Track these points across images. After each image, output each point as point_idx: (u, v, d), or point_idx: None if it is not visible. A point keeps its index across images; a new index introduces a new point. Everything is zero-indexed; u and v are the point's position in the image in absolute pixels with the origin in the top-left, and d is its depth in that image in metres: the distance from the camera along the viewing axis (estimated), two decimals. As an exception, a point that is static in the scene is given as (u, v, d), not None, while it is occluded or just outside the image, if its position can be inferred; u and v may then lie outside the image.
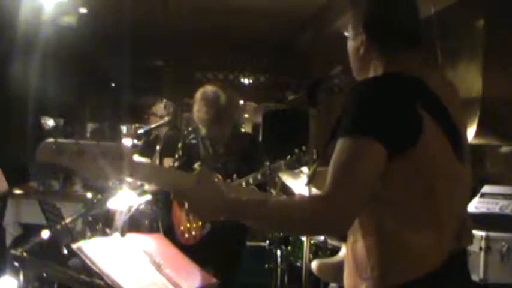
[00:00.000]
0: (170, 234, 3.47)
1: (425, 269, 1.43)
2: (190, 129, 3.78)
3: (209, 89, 3.44)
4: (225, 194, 1.52)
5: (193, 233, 3.42)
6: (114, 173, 1.43)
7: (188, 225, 3.45)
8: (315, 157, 1.79)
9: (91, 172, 1.43)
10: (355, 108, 1.45)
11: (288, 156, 3.07)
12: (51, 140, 1.44)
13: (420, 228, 1.44)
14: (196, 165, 3.49)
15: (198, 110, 3.43)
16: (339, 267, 1.67)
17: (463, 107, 1.64)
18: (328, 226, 1.43)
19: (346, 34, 1.70)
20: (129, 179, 1.46)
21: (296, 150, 2.99)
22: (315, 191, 1.78)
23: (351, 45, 1.69)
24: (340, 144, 1.43)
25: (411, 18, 1.62)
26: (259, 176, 3.07)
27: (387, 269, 1.45)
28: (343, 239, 1.66)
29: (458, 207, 1.54)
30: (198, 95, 3.44)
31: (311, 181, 1.82)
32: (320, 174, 1.68)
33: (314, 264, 3.44)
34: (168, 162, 4.65)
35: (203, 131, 3.53)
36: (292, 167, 3.06)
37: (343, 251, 1.77)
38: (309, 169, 1.84)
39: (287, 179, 3.13)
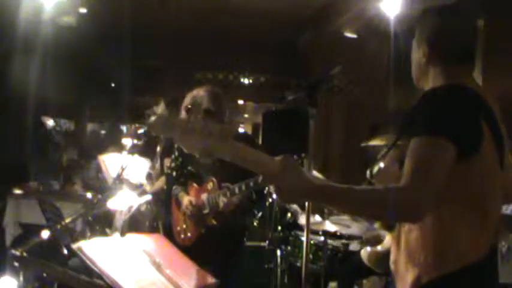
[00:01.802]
0: (170, 234, 3.47)
1: (471, 260, 1.63)
2: None
3: (196, 93, 3.36)
4: (311, 178, 1.62)
5: (189, 234, 3.41)
6: (217, 152, 1.54)
7: (184, 226, 3.44)
8: (382, 154, 1.89)
9: (196, 149, 1.53)
10: (431, 110, 1.62)
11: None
12: (163, 114, 1.51)
13: (471, 225, 1.63)
14: (190, 167, 3.47)
15: (194, 114, 3.37)
16: (387, 254, 1.83)
17: (499, 113, 1.79)
18: (407, 215, 1.56)
19: (413, 45, 1.86)
20: (228, 159, 1.58)
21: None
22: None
23: (414, 55, 1.86)
24: (416, 142, 1.58)
25: (470, 37, 1.82)
26: (259, 180, 3.01)
27: (439, 257, 1.63)
28: (389, 228, 1.84)
29: (498, 208, 1.75)
30: (187, 99, 3.38)
31: (375, 177, 1.94)
32: (384, 170, 1.87)
33: (363, 252, 3.46)
34: (168, 162, 4.66)
35: None
36: None
37: (387, 239, 1.88)
38: (373, 166, 1.98)
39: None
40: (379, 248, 3.19)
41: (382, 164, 1.90)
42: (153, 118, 1.53)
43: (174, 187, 3.53)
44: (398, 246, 1.75)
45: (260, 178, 2.88)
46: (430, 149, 1.56)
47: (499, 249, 3.46)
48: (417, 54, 1.84)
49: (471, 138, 1.61)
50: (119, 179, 3.75)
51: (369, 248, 3.27)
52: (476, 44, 1.83)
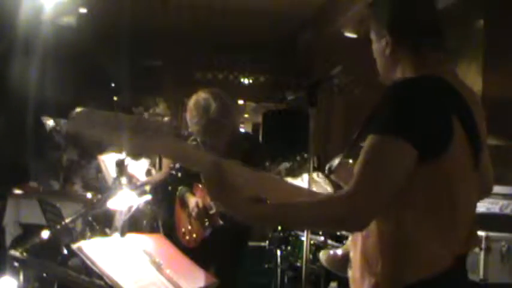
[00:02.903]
0: (172, 235, 3.46)
1: (434, 270, 1.46)
2: (190, 130, 3.72)
3: (201, 96, 3.31)
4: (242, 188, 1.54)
5: (194, 235, 3.40)
6: (148, 148, 1.46)
7: (189, 227, 3.43)
8: (346, 151, 1.81)
9: (125, 145, 1.47)
10: (389, 107, 1.45)
11: (287, 163, 3.03)
12: (83, 109, 1.43)
13: (435, 232, 1.47)
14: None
15: (190, 119, 3.34)
16: (346, 258, 1.70)
17: (481, 110, 1.65)
18: (347, 225, 1.48)
19: (372, 38, 1.69)
20: (161, 154, 1.51)
21: (298, 158, 2.95)
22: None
23: (375, 48, 1.68)
24: (370, 141, 1.43)
25: (431, 13, 1.63)
26: None
27: (397, 267, 1.48)
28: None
29: (471, 213, 1.58)
30: (190, 102, 3.35)
31: (333, 172, 1.85)
32: (344, 165, 1.74)
33: (322, 255, 3.46)
34: (167, 162, 4.65)
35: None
36: (293, 174, 3.03)
37: (348, 243, 1.79)
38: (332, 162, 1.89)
39: (286, 178, 3.12)
40: (338, 251, 3.16)
41: (339, 159, 1.80)
42: (74, 112, 1.39)
43: (179, 188, 3.52)
44: (355, 251, 1.60)
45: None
46: (383, 150, 1.41)
47: (499, 251, 3.46)
48: (379, 45, 1.65)
49: (434, 137, 1.43)
50: (124, 170, 3.74)
51: (330, 252, 3.25)
52: (443, 25, 1.63)
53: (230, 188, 1.52)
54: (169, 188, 3.90)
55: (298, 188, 1.87)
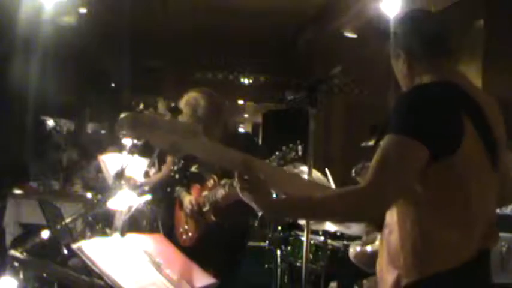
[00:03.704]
0: (172, 235, 3.46)
1: (452, 264, 1.58)
2: None
3: (191, 96, 3.33)
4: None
5: (190, 233, 3.41)
6: (184, 148, 1.59)
7: (186, 226, 3.44)
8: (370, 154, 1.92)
9: (165, 145, 1.58)
10: (403, 110, 1.59)
11: (274, 154, 3.03)
12: (128, 113, 1.54)
13: (452, 228, 1.59)
14: (194, 168, 3.48)
15: (180, 118, 3.36)
16: (374, 255, 1.84)
17: (499, 113, 1.75)
18: (358, 215, 1.64)
19: (391, 55, 1.82)
20: (195, 154, 1.64)
21: (284, 148, 2.95)
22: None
23: (395, 67, 1.84)
24: (386, 140, 1.57)
25: (440, 29, 1.77)
26: None
27: (418, 260, 1.60)
28: (379, 229, 1.82)
29: (487, 211, 1.68)
30: (182, 102, 3.36)
31: (358, 174, 1.97)
32: (368, 168, 1.84)
33: (351, 251, 3.48)
34: (168, 163, 4.66)
35: None
36: (279, 165, 3.02)
37: (378, 241, 1.94)
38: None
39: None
40: (368, 247, 3.18)
41: (366, 163, 1.91)
42: (122, 116, 1.53)
43: (177, 188, 3.54)
44: (382, 248, 1.75)
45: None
46: (397, 148, 1.54)
47: (498, 251, 3.46)
48: (397, 64, 1.81)
49: (446, 137, 1.55)
50: (122, 177, 3.75)
51: (358, 248, 3.26)
52: (451, 35, 1.78)
53: (261, 184, 1.71)
54: (168, 189, 3.91)
55: (315, 184, 2.05)
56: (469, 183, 1.59)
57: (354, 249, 3.26)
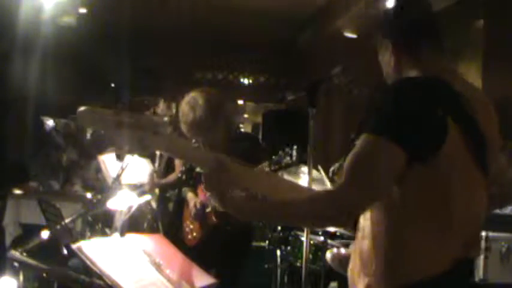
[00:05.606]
0: (178, 235, 3.49)
1: (427, 273, 1.46)
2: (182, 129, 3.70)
3: (190, 96, 3.30)
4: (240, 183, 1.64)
5: (194, 234, 3.43)
6: (149, 145, 1.53)
7: (191, 226, 3.46)
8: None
9: (128, 143, 1.55)
10: (383, 107, 1.48)
11: (271, 159, 3.01)
12: (86, 107, 1.52)
13: (430, 234, 1.47)
14: (199, 169, 3.47)
15: (180, 118, 3.32)
16: (348, 258, 1.73)
17: (492, 112, 1.66)
18: (330, 219, 1.51)
19: (378, 49, 1.74)
20: (162, 152, 1.61)
21: (280, 152, 2.93)
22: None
23: (382, 60, 1.73)
24: (361, 139, 1.46)
25: (425, 14, 1.67)
26: None
27: (390, 269, 1.49)
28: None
29: (472, 217, 1.54)
30: (182, 102, 3.33)
31: (335, 174, 1.91)
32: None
33: (328, 254, 3.46)
34: (178, 165, 4.68)
35: None
36: (274, 170, 3.00)
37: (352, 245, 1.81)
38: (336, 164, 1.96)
39: (287, 178, 3.12)
40: (342, 250, 3.17)
41: (344, 162, 1.86)
42: (80, 110, 1.48)
43: (183, 189, 3.56)
44: (354, 252, 1.64)
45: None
46: (372, 150, 1.44)
47: (498, 251, 3.46)
48: (385, 57, 1.70)
49: (425, 139, 1.43)
50: (118, 181, 3.76)
51: (335, 250, 3.26)
52: (440, 26, 1.69)
53: (228, 184, 1.62)
54: (177, 189, 3.94)
55: (296, 185, 1.92)
56: (451, 186, 1.46)
57: (331, 251, 3.25)
